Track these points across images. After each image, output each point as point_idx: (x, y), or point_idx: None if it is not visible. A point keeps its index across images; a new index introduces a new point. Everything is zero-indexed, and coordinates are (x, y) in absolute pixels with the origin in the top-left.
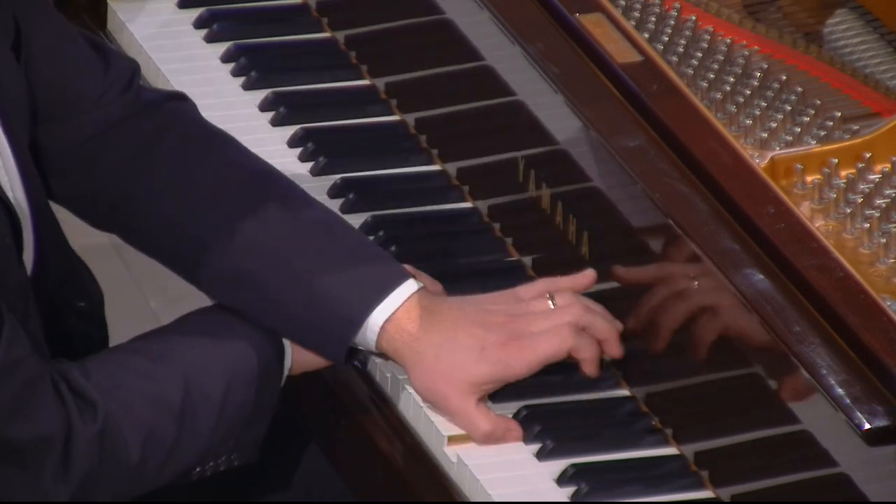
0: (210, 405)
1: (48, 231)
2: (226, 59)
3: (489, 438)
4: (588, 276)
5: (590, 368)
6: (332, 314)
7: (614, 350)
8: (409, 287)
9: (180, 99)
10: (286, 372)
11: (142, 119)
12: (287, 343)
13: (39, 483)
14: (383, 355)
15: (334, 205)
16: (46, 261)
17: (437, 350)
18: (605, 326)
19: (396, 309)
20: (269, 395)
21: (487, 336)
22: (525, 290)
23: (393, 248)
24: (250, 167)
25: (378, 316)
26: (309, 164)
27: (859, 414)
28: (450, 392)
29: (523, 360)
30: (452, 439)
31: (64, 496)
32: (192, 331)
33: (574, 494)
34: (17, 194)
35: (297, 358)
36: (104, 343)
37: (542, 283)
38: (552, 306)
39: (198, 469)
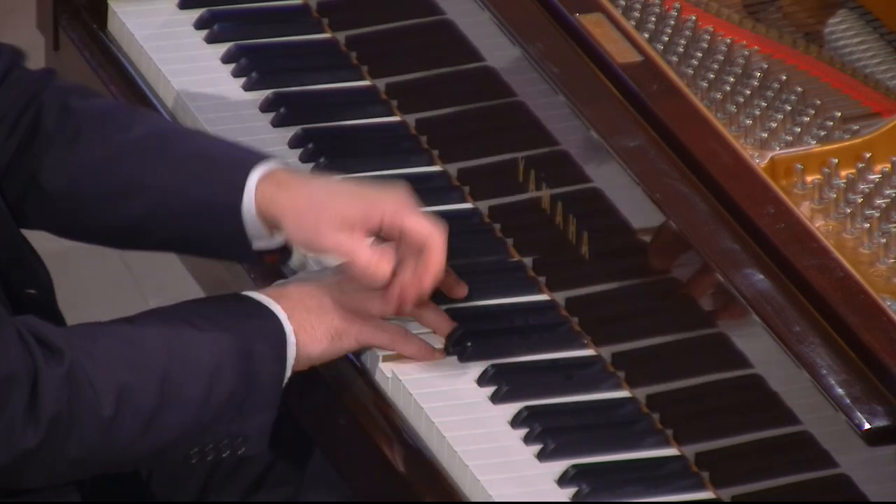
0: (197, 374)
1: None
2: (226, 59)
3: (367, 267)
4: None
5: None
6: (217, 183)
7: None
8: (274, 162)
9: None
10: (290, 360)
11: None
12: (290, 331)
13: (8, 425)
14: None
15: None
16: None
17: (313, 192)
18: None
19: (273, 169)
20: (270, 380)
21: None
22: None
23: None
24: (119, 104)
25: (254, 176)
26: (310, 165)
27: (859, 414)
28: (322, 227)
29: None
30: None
31: (33, 440)
32: (182, 309)
33: (575, 495)
34: None
35: (302, 350)
36: None
37: None
38: None
39: (196, 450)
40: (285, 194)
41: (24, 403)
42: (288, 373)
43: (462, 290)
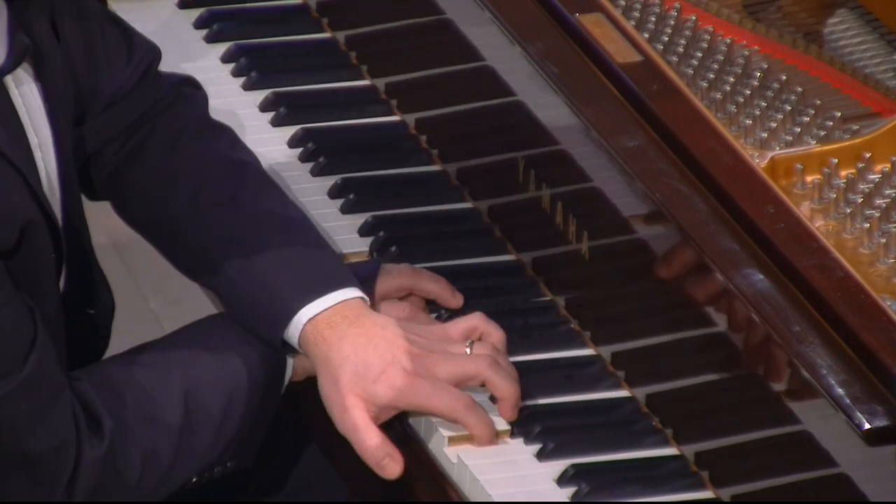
0: (209, 422)
1: (76, 240)
2: (226, 59)
3: (371, 455)
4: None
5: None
6: (270, 303)
7: (507, 413)
8: (342, 294)
9: (193, 86)
10: (286, 381)
11: (157, 113)
12: (289, 364)
13: (51, 499)
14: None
15: (334, 205)
16: (71, 272)
17: (344, 361)
18: (503, 386)
19: (320, 312)
20: (268, 407)
21: (395, 361)
22: (455, 326)
23: (393, 249)
24: (231, 156)
25: (303, 315)
26: (309, 165)
27: (859, 414)
28: (346, 403)
29: (415, 398)
30: (453, 440)
31: None
32: (193, 345)
33: (574, 495)
34: (55, 202)
35: (299, 363)
36: (100, 355)
37: (475, 319)
38: (468, 352)
39: (194, 480)
40: (322, 354)
41: (66, 479)
42: (283, 389)
43: (458, 300)
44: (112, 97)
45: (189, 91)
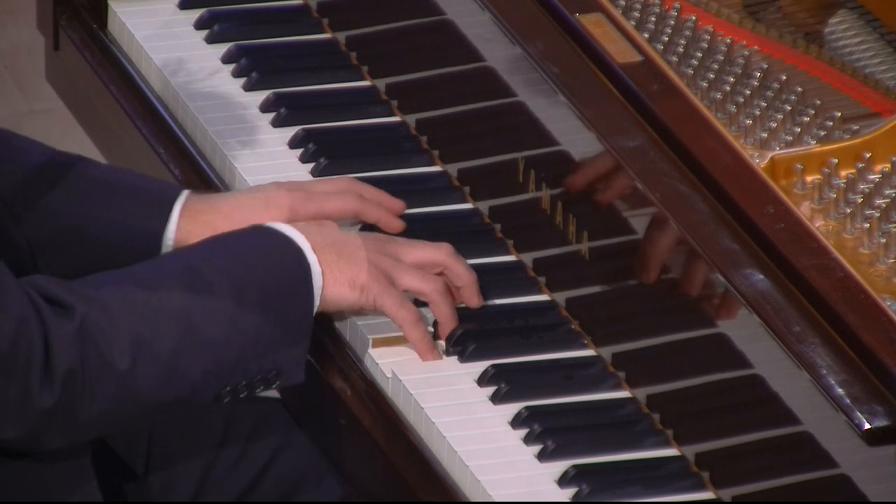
0: (217, 313)
1: None
2: (227, 59)
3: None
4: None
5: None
6: (139, 210)
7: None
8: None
9: None
10: (317, 291)
11: None
12: (314, 261)
13: (24, 388)
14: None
15: None
16: None
17: (227, 213)
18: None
19: (185, 200)
20: (298, 312)
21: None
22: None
23: None
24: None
25: (177, 206)
26: (310, 166)
27: (859, 414)
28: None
29: (310, 203)
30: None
31: (50, 399)
32: (199, 248)
33: (575, 495)
34: None
35: (329, 292)
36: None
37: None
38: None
39: (227, 389)
40: (203, 226)
41: (39, 365)
42: (316, 302)
43: (477, 301)
44: None
45: None
